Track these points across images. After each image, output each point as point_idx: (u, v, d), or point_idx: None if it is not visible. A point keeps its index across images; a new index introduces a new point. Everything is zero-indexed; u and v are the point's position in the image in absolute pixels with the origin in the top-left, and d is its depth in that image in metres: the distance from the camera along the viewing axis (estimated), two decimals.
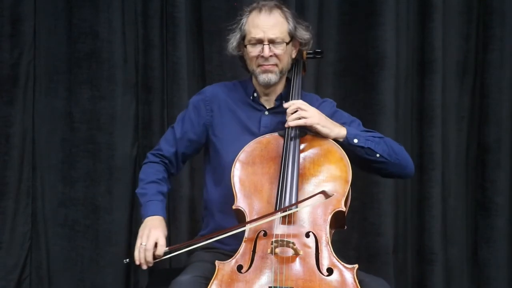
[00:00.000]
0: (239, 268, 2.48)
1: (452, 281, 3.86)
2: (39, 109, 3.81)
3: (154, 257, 2.59)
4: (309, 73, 3.71)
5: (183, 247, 2.61)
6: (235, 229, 2.55)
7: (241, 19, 2.80)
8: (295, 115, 2.68)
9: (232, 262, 2.50)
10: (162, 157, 2.86)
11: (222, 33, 3.67)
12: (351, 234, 3.77)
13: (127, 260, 2.62)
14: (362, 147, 2.70)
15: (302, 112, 2.68)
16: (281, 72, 2.79)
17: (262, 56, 2.74)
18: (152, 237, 2.59)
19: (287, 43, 2.76)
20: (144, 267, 2.59)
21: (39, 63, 3.80)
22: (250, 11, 2.79)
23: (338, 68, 3.79)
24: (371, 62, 3.72)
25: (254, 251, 2.50)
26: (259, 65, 2.77)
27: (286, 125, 2.69)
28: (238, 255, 2.52)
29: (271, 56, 2.74)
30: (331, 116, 2.80)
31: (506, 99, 3.77)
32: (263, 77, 2.77)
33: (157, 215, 2.71)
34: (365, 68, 3.75)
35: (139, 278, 3.83)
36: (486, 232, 3.83)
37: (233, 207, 2.61)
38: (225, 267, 2.49)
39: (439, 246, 3.76)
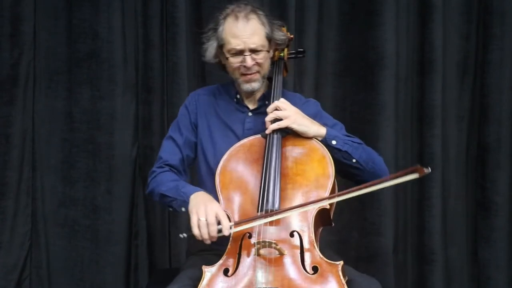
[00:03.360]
0: (226, 271, 2.49)
1: (452, 281, 3.86)
2: (39, 109, 3.82)
3: (218, 231, 2.50)
4: (309, 73, 3.72)
5: (245, 222, 2.53)
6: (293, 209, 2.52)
7: (216, 27, 2.78)
8: (271, 115, 2.68)
9: (218, 266, 2.51)
10: (170, 166, 2.82)
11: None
12: (351, 234, 3.77)
13: (184, 234, 2.52)
14: (339, 150, 2.69)
15: (279, 112, 2.68)
16: (263, 77, 2.82)
17: (244, 66, 2.75)
18: (210, 212, 2.50)
19: (268, 51, 2.77)
20: (209, 242, 2.51)
21: (39, 63, 3.80)
22: (225, 18, 2.77)
23: (338, 68, 3.79)
24: (371, 62, 3.72)
25: (239, 254, 2.51)
26: (242, 74, 2.77)
27: (267, 132, 2.69)
28: (223, 258, 2.52)
29: (253, 64, 2.75)
30: (314, 116, 2.79)
31: (506, 99, 3.77)
32: (247, 87, 2.80)
33: (199, 191, 2.63)
34: (365, 68, 3.75)
35: (139, 278, 3.83)
36: (486, 232, 3.83)
37: None
38: (211, 271, 2.50)
39: (439, 246, 3.76)
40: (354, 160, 2.70)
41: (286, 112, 2.69)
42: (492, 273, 3.82)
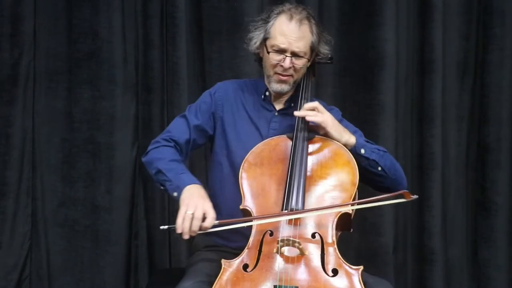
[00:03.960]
0: (245, 267, 2.49)
1: (452, 281, 3.86)
2: (39, 109, 3.81)
3: (200, 227, 2.48)
4: None
5: (232, 223, 2.54)
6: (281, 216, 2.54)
7: (268, 20, 2.77)
8: (310, 113, 2.69)
9: (238, 261, 2.51)
10: (175, 142, 2.78)
11: (222, 33, 3.71)
12: (351, 234, 3.75)
13: (166, 227, 2.51)
14: (367, 158, 2.71)
15: (317, 113, 2.69)
16: (294, 82, 2.81)
17: (282, 66, 2.74)
18: (200, 207, 2.48)
19: (309, 59, 2.77)
20: (186, 236, 2.48)
21: (39, 63, 3.80)
22: (279, 14, 2.76)
23: (338, 68, 3.79)
24: (371, 62, 3.72)
25: (260, 251, 2.51)
26: (275, 73, 2.77)
27: (296, 114, 2.69)
28: (244, 254, 2.52)
29: (290, 67, 2.75)
30: None
31: (506, 99, 3.77)
32: (277, 86, 2.79)
33: (196, 183, 2.61)
34: (365, 68, 3.75)
35: (139, 278, 3.83)
36: (486, 232, 3.83)
37: (241, 207, 2.61)
38: (230, 266, 2.49)
39: (439, 246, 3.76)
40: (379, 168, 2.72)
41: (324, 116, 2.69)
42: (492, 273, 3.83)
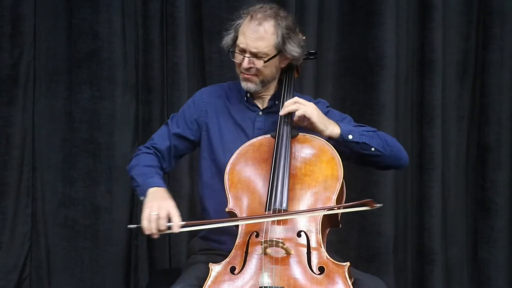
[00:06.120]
0: (232, 269, 2.49)
1: (452, 281, 3.86)
2: (39, 109, 3.82)
3: (168, 227, 2.50)
4: (309, 73, 3.71)
5: (196, 224, 2.57)
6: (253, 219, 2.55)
7: (238, 20, 2.77)
8: (292, 107, 2.66)
9: (224, 264, 2.51)
10: (155, 149, 2.82)
11: (222, 33, 3.70)
12: (351, 234, 3.77)
13: (134, 226, 2.55)
14: (357, 142, 2.69)
15: (301, 105, 2.67)
16: (262, 82, 2.77)
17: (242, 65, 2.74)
18: (163, 207, 2.52)
19: (271, 58, 2.72)
20: (156, 236, 2.52)
21: (39, 63, 3.80)
22: (246, 14, 2.75)
23: (338, 68, 3.80)
24: (371, 62, 3.72)
25: (246, 252, 2.51)
26: (241, 72, 2.77)
27: (281, 113, 2.67)
28: (230, 256, 2.53)
29: (251, 67, 2.73)
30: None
31: (506, 99, 3.78)
32: (243, 85, 2.78)
33: (160, 186, 2.65)
34: (365, 68, 3.75)
35: (139, 278, 3.83)
36: (486, 232, 3.83)
37: (226, 209, 2.61)
38: (218, 269, 2.50)
39: (439, 246, 3.76)
40: (372, 149, 2.71)
41: (307, 108, 2.66)
42: (492, 273, 3.83)
